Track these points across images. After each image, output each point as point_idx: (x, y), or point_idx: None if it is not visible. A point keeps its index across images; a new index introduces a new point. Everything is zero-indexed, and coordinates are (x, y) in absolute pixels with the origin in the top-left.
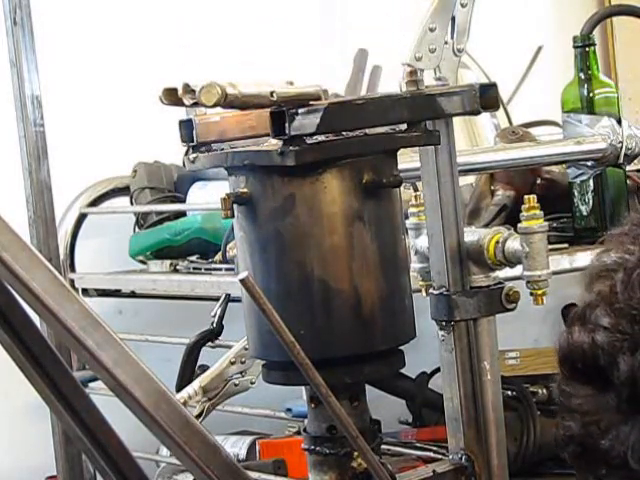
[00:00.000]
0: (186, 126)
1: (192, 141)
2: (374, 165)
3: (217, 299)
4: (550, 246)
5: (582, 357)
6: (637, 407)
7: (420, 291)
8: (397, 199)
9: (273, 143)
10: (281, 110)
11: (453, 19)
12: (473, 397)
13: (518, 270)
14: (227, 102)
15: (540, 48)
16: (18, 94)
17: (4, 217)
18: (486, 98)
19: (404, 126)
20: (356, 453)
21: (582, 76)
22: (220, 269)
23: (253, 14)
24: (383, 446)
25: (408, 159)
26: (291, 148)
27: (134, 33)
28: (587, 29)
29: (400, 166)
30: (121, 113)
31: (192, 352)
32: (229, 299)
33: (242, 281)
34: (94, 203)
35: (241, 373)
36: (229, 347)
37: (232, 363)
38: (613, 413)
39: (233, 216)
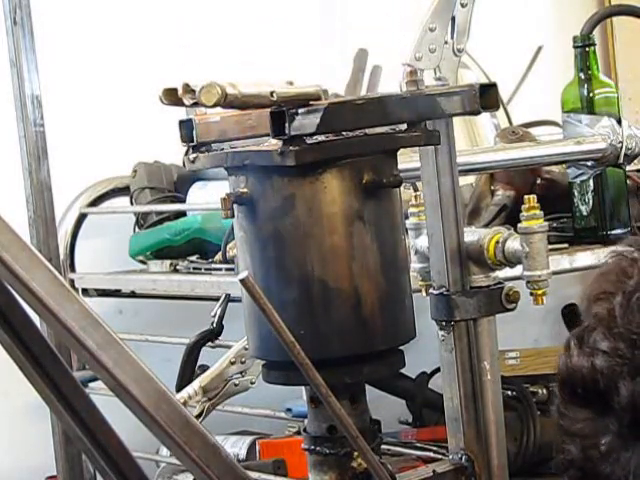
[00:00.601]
0: (186, 126)
1: (192, 141)
2: (374, 165)
3: (217, 299)
4: (550, 246)
5: (582, 381)
6: (638, 432)
7: (420, 291)
8: (397, 199)
9: (273, 143)
10: (281, 110)
11: (453, 19)
12: (473, 397)
13: (518, 270)
14: (227, 102)
15: (540, 48)
16: (18, 94)
17: (4, 217)
18: (486, 98)
19: (404, 126)
20: (356, 453)
21: (582, 76)
22: (220, 269)
23: (253, 14)
24: (383, 446)
25: (408, 159)
26: (291, 148)
27: (134, 33)
28: (587, 29)
29: (400, 166)
30: (121, 113)
31: (192, 352)
32: (229, 299)
33: (242, 281)
34: (94, 203)
35: (241, 373)
36: (229, 347)
37: (232, 363)
38: (613, 438)
39: (233, 216)
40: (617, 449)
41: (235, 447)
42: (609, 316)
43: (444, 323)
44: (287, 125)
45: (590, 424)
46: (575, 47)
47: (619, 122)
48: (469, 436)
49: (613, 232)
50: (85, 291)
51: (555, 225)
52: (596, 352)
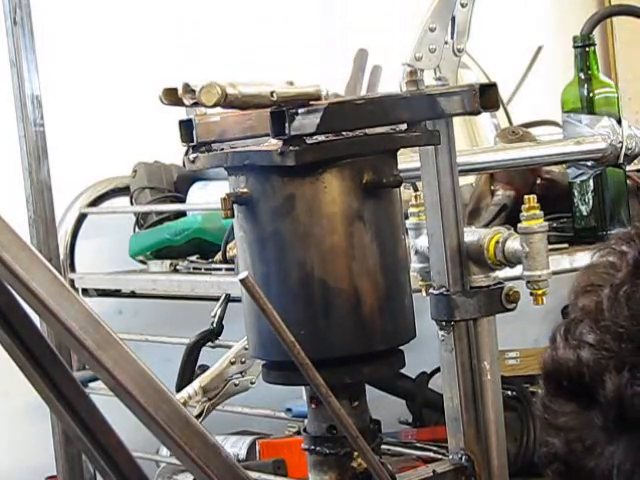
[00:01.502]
0: (186, 126)
1: (192, 141)
2: (374, 165)
3: (217, 299)
4: (550, 246)
5: (567, 374)
6: (623, 427)
7: (420, 291)
8: (397, 199)
9: (273, 143)
10: (281, 110)
11: (453, 19)
12: (473, 397)
13: (518, 270)
14: (227, 102)
15: (540, 48)
16: (18, 94)
17: (4, 217)
18: (486, 98)
19: (404, 126)
20: (356, 453)
21: (582, 76)
22: (220, 269)
23: (253, 14)
24: (383, 446)
25: (408, 159)
26: (291, 148)
27: (134, 33)
28: (587, 29)
29: (400, 166)
30: (121, 113)
31: (192, 352)
32: (229, 299)
33: (242, 281)
34: (94, 203)
35: (241, 373)
36: (229, 347)
37: (232, 363)
38: (598, 431)
39: (233, 216)
40: (602, 443)
41: (235, 447)
42: (596, 309)
43: (444, 323)
44: (287, 125)
45: (575, 417)
46: (575, 47)
47: (619, 122)
48: (469, 436)
49: (613, 232)
50: (85, 291)
51: (555, 225)
52: (582, 345)
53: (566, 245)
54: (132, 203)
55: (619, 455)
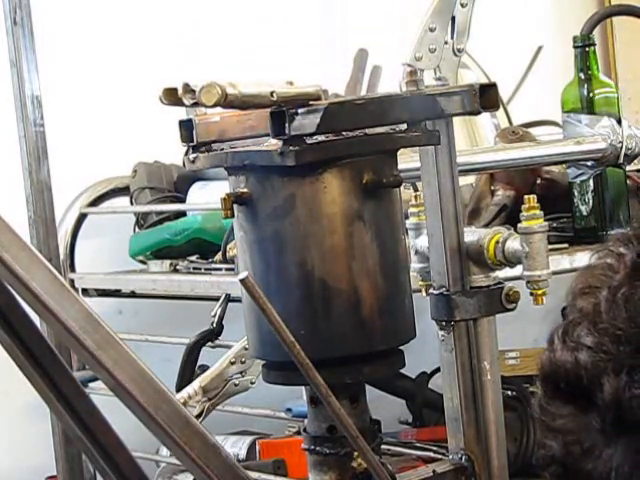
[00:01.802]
0: (186, 126)
1: (192, 141)
2: (374, 165)
3: (217, 299)
4: (550, 246)
5: (565, 376)
6: (621, 430)
7: (420, 291)
8: (397, 199)
9: (273, 143)
10: (281, 110)
11: (453, 19)
12: (473, 397)
13: (518, 270)
14: (227, 102)
15: (540, 48)
16: (18, 94)
17: (4, 217)
18: (486, 98)
19: (404, 126)
20: (356, 453)
21: (582, 76)
22: (220, 269)
23: (253, 14)
24: (383, 446)
25: (408, 159)
26: (291, 148)
27: (134, 33)
28: (587, 29)
29: (400, 166)
30: (121, 113)
31: (192, 352)
32: (229, 299)
33: (242, 281)
34: (94, 203)
35: (241, 373)
36: (229, 347)
37: (232, 363)
38: (596, 434)
39: (233, 216)
40: (600, 446)
41: (235, 447)
42: (594, 311)
43: (444, 323)
44: (287, 125)
45: (573, 420)
46: (575, 47)
47: (619, 122)
48: (469, 436)
49: (613, 232)
50: (85, 291)
51: (555, 225)
52: (580, 347)
53: (566, 245)
54: (132, 203)
55: (617, 458)
